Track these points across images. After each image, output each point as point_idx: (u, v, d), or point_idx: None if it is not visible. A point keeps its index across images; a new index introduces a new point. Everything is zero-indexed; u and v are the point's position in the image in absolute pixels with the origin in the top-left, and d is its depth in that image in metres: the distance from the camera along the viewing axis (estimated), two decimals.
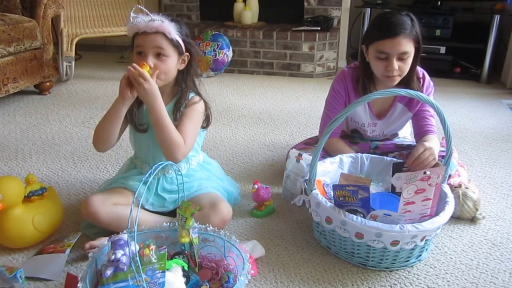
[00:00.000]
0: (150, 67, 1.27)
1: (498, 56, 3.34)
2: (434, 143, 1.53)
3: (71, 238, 1.33)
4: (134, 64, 1.25)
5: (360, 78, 1.62)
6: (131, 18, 1.27)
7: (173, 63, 1.33)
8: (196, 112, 1.40)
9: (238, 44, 3.50)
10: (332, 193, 1.36)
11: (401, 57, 1.48)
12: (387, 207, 1.31)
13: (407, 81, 1.57)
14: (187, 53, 1.36)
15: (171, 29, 1.28)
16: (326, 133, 1.25)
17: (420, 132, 1.64)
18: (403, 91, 1.22)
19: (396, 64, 1.48)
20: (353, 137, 1.82)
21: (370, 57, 1.54)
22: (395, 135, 1.82)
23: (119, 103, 1.30)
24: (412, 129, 1.73)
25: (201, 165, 1.53)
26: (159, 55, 1.30)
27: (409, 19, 1.48)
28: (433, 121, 1.64)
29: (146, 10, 1.27)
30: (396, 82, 1.54)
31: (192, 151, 1.47)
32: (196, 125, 1.40)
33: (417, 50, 1.51)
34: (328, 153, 1.68)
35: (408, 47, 1.47)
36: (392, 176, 1.43)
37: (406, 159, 1.54)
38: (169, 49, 1.30)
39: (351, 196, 1.27)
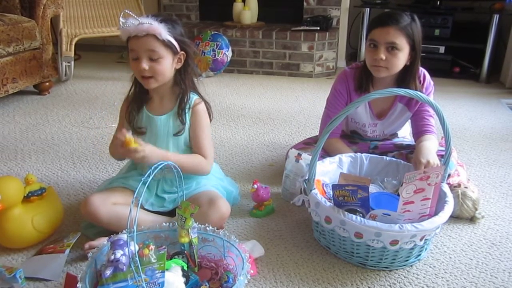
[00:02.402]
0: (132, 139, 1.24)
1: (498, 55, 3.34)
2: (431, 144, 1.52)
3: (70, 238, 1.34)
4: (122, 142, 1.24)
5: (359, 74, 1.62)
6: (120, 23, 1.28)
7: (168, 64, 1.33)
8: (203, 118, 1.43)
9: (237, 44, 3.50)
10: (331, 192, 1.37)
11: (390, 48, 1.48)
12: (386, 206, 1.31)
13: (407, 82, 1.56)
14: (182, 52, 1.36)
15: (161, 30, 1.27)
16: (326, 133, 1.26)
17: (418, 132, 1.64)
18: (402, 91, 1.22)
19: (383, 53, 1.48)
20: (353, 137, 1.82)
21: (365, 48, 1.56)
22: (395, 135, 1.82)
23: None
24: (411, 129, 1.73)
25: None
26: (153, 57, 1.30)
27: (409, 17, 1.49)
28: (432, 121, 1.64)
29: (134, 15, 1.26)
30: (383, 74, 1.54)
31: (192, 152, 1.47)
32: (209, 131, 1.46)
33: (412, 48, 1.51)
34: (327, 153, 1.68)
35: (397, 39, 1.47)
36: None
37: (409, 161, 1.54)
38: (162, 50, 1.30)
39: (350, 196, 1.27)
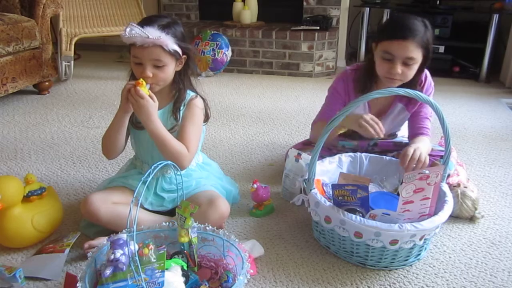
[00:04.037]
0: (146, 82, 1.28)
1: (497, 55, 3.35)
2: (422, 143, 1.52)
3: (70, 238, 1.34)
4: (133, 84, 1.25)
5: (362, 75, 1.60)
6: (126, 33, 1.25)
7: (171, 69, 1.34)
8: (196, 114, 1.40)
9: (237, 44, 3.50)
10: (331, 192, 1.37)
11: (406, 62, 1.45)
12: (385, 206, 1.31)
13: (411, 84, 1.53)
14: (184, 56, 1.36)
15: (168, 42, 1.27)
16: (326, 132, 1.26)
17: (413, 134, 1.64)
18: (401, 91, 1.22)
19: (399, 68, 1.45)
20: (351, 134, 1.80)
21: (376, 55, 1.51)
22: (393, 135, 1.82)
23: (122, 114, 1.33)
24: (408, 130, 1.72)
25: (200, 166, 1.53)
26: (157, 65, 1.30)
27: (423, 25, 1.45)
28: (428, 124, 1.62)
29: (140, 28, 1.24)
30: (397, 85, 1.52)
31: None
32: (199, 127, 1.41)
33: (425, 58, 1.48)
34: (313, 139, 1.65)
35: (415, 53, 1.44)
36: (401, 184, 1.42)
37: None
38: (166, 58, 1.30)
39: (350, 195, 1.27)
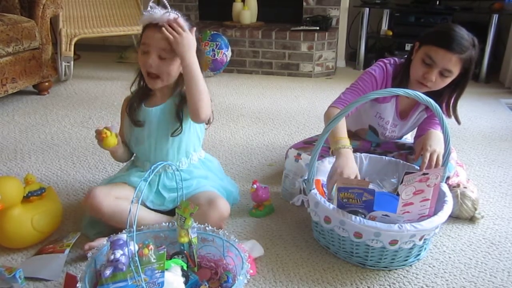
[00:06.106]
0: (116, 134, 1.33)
1: (497, 55, 3.35)
2: (440, 134, 1.49)
3: (70, 238, 1.34)
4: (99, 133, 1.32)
5: (399, 74, 1.57)
6: (148, 8, 1.28)
7: (175, 67, 1.34)
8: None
9: (237, 44, 3.50)
10: (332, 194, 1.36)
11: (443, 73, 1.45)
12: (385, 206, 1.31)
13: (434, 96, 1.44)
14: None
15: (184, 24, 1.29)
16: (326, 132, 1.25)
17: (425, 128, 1.61)
18: (401, 91, 1.22)
19: (434, 76, 1.45)
20: (354, 135, 1.79)
21: (416, 56, 1.50)
22: (401, 137, 1.81)
23: (113, 154, 1.46)
24: (416, 130, 1.72)
25: (202, 162, 1.53)
26: (163, 56, 1.30)
27: (471, 43, 1.45)
28: (439, 128, 1.61)
29: (165, 2, 1.27)
30: (423, 91, 1.47)
31: (194, 145, 1.48)
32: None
33: (461, 75, 1.47)
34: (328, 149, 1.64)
35: (454, 67, 1.43)
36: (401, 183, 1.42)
37: (413, 162, 1.54)
38: (173, 52, 1.30)
39: (355, 198, 1.26)
